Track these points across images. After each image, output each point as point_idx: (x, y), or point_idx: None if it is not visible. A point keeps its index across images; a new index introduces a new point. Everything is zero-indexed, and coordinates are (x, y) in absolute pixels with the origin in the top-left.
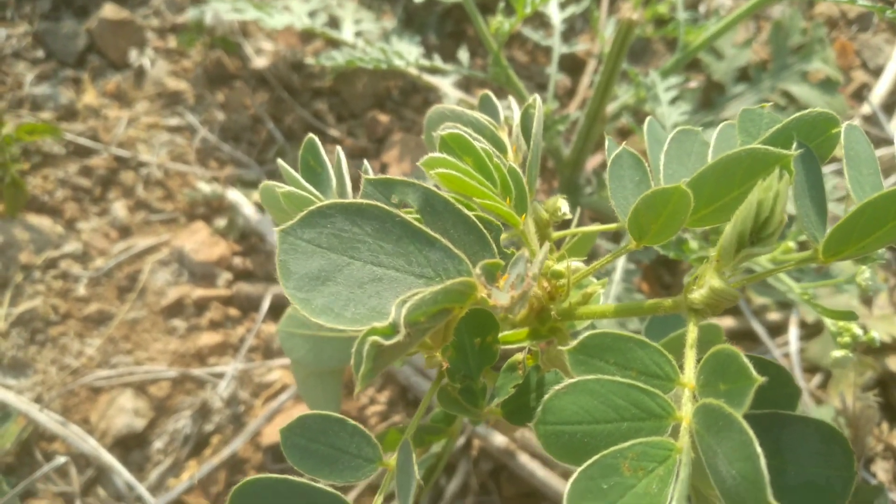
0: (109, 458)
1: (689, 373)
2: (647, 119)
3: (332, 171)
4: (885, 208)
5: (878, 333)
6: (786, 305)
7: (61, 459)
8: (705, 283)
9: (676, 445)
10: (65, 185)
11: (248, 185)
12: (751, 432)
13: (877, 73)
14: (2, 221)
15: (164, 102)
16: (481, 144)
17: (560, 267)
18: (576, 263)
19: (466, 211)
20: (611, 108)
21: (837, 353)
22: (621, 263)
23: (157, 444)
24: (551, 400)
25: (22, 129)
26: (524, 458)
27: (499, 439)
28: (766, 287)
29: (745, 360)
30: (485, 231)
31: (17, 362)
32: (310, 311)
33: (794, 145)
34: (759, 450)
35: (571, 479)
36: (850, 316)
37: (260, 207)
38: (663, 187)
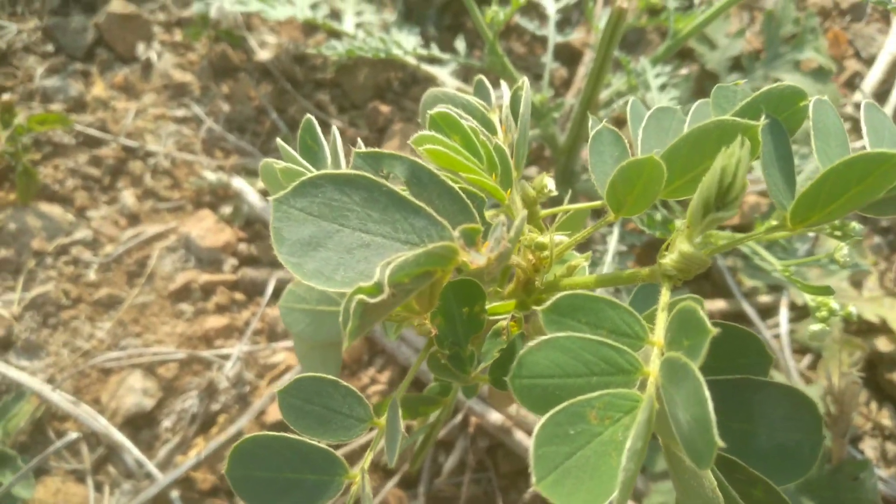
0: (119, 437)
1: (659, 332)
2: (630, 99)
3: (328, 151)
4: (847, 175)
5: (867, 314)
6: (776, 288)
7: (73, 435)
8: (675, 248)
9: (642, 397)
10: (75, 175)
11: (252, 173)
12: (701, 378)
13: (869, 62)
14: (14, 209)
15: (170, 94)
16: (468, 123)
17: (544, 239)
18: (559, 237)
19: (450, 182)
20: (604, 95)
21: (815, 327)
22: (613, 246)
23: (166, 423)
24: (525, 355)
25: (33, 119)
26: (520, 435)
27: (495, 416)
28: (757, 270)
29: (703, 314)
30: (468, 201)
31: (30, 345)
32: (302, 275)
33: (763, 117)
34: (707, 394)
35: (539, 424)
36: (826, 291)
37: (264, 195)
38: (637, 158)
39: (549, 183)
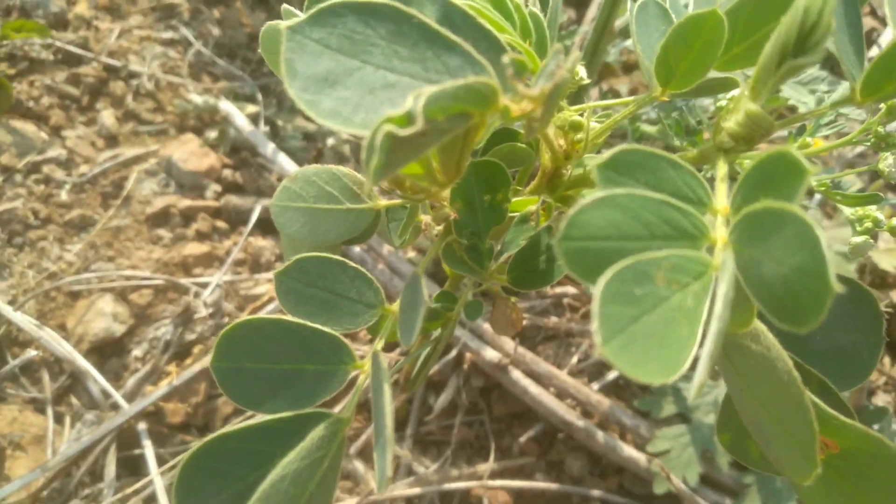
0: (85, 364)
1: (722, 199)
2: None
3: None
4: None
5: (884, 264)
6: None
7: (32, 353)
8: (740, 108)
9: (713, 262)
10: (52, 93)
11: (241, 98)
12: (808, 218)
13: (884, 20)
14: None
15: (158, 16)
16: None
17: (580, 119)
18: (593, 123)
19: (489, 25)
20: (619, 23)
21: (857, 239)
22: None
23: (136, 352)
24: (577, 214)
25: (8, 25)
26: (517, 374)
27: (491, 354)
28: None
29: (798, 154)
30: (507, 47)
31: None
32: (316, 113)
33: None
34: (819, 232)
35: (603, 279)
36: (873, 199)
37: (253, 120)
38: (697, 13)
39: (580, 70)
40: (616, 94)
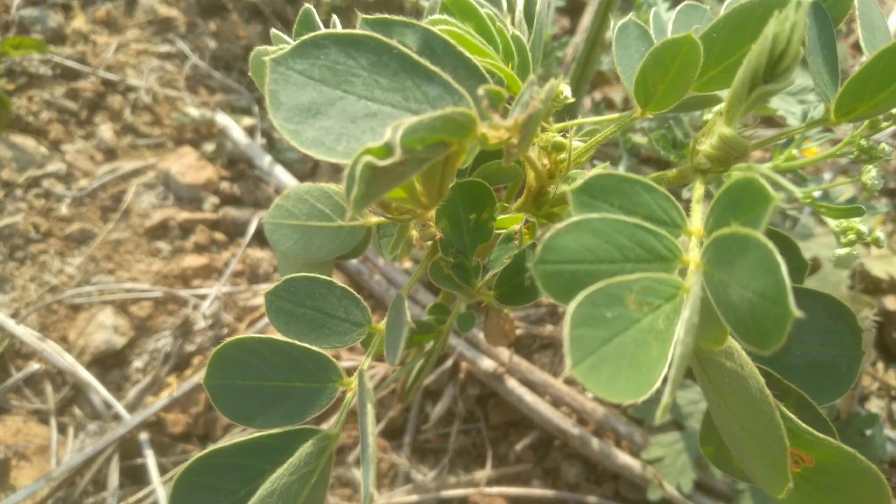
0: (87, 375)
1: (696, 221)
2: (652, 10)
3: None
4: None
5: (876, 271)
6: None
7: (35, 366)
8: (714, 132)
9: (684, 284)
10: (50, 107)
11: (238, 111)
12: (769, 244)
13: None
14: None
15: (154, 30)
16: (485, 9)
17: (562, 140)
18: (577, 143)
19: (468, 53)
20: (610, 34)
21: (841, 251)
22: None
23: (137, 364)
24: (552, 238)
25: (7, 42)
26: (512, 383)
27: (486, 363)
28: None
29: (763, 181)
30: (486, 75)
31: None
32: (300, 143)
33: None
34: (779, 259)
35: (574, 302)
36: (855, 212)
37: (249, 132)
38: (673, 37)
39: (564, 89)
40: (609, 103)
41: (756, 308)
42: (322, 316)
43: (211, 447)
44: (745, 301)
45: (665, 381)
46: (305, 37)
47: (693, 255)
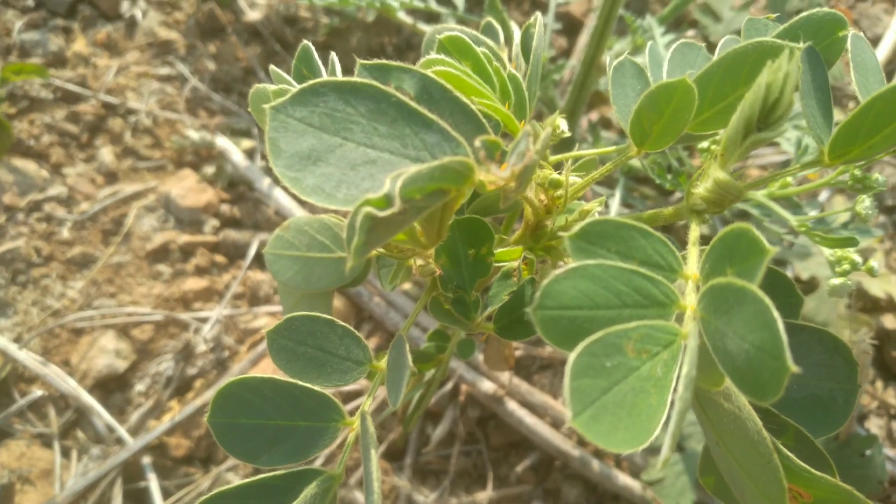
0: (89, 399)
1: (693, 265)
2: (649, 43)
3: (325, 75)
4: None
5: (874, 290)
6: (781, 262)
7: (38, 393)
8: (709, 176)
9: (682, 331)
10: (51, 131)
11: (238, 133)
12: (766, 298)
13: (875, 42)
14: None
15: (154, 52)
16: (481, 49)
17: (559, 177)
18: (574, 178)
19: (465, 98)
20: (606, 58)
21: (835, 281)
22: (616, 204)
23: (139, 387)
24: (550, 284)
25: (8, 68)
26: (512, 405)
27: (487, 385)
28: (762, 231)
29: (758, 232)
30: (484, 121)
31: None
32: (300, 190)
33: (801, 42)
34: (776, 314)
35: (574, 353)
36: (849, 242)
37: (249, 155)
38: (667, 81)
39: (561, 123)
40: (606, 123)
41: (753, 360)
42: (323, 354)
43: (216, 490)
44: (742, 352)
45: (666, 421)
46: (304, 85)
47: (690, 300)
